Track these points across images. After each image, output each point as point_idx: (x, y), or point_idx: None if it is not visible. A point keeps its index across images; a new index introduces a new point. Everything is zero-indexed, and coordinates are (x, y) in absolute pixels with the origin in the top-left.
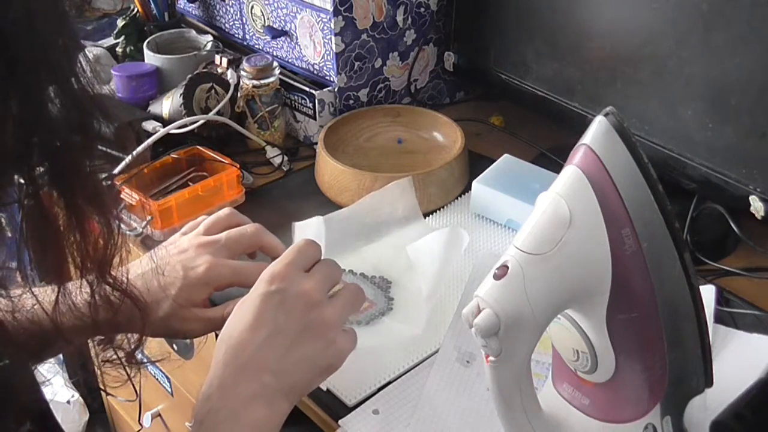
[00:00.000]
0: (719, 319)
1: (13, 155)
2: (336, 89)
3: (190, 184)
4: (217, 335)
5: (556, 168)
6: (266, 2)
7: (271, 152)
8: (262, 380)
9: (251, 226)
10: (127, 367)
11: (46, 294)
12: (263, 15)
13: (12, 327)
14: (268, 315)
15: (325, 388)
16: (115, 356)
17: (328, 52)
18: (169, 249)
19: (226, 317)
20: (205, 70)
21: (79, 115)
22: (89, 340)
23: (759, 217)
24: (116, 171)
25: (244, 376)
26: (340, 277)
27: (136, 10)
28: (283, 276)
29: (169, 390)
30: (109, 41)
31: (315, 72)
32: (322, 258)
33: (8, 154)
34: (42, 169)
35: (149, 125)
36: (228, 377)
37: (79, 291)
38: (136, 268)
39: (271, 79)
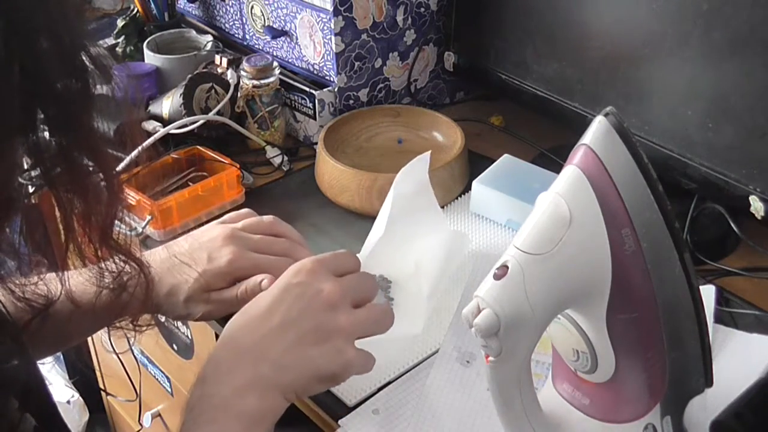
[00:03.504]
0: (719, 319)
1: (18, 119)
2: (336, 89)
3: (190, 184)
4: (218, 337)
5: (556, 168)
6: (266, 2)
7: (271, 152)
8: (259, 370)
9: (267, 216)
10: (133, 331)
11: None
12: (263, 15)
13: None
14: (283, 305)
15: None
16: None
17: (328, 52)
18: (199, 235)
19: (240, 297)
20: (205, 70)
21: (75, 69)
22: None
23: (759, 217)
24: (117, 170)
25: (242, 362)
26: (372, 294)
27: (136, 10)
28: (309, 271)
29: (169, 390)
30: (109, 41)
31: (315, 72)
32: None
33: (14, 118)
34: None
35: (149, 125)
36: (225, 360)
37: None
38: (166, 251)
39: (271, 79)
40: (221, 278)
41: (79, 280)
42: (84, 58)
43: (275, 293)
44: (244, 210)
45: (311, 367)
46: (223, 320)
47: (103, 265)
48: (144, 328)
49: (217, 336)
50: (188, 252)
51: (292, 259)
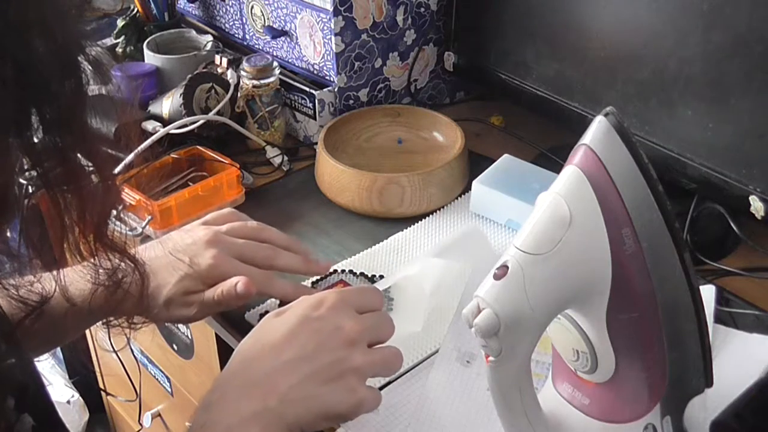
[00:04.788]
0: (719, 319)
1: (12, 117)
2: (336, 89)
3: (190, 184)
4: (218, 337)
5: (556, 168)
6: (266, 2)
7: (271, 152)
8: (268, 403)
9: (252, 222)
10: (129, 329)
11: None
12: (263, 15)
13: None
14: (299, 338)
15: None
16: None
17: (328, 52)
18: (182, 237)
19: (217, 300)
20: (205, 70)
21: (72, 69)
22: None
23: (759, 217)
24: (117, 170)
25: (251, 394)
26: (389, 336)
27: (136, 10)
28: (331, 305)
29: (169, 390)
30: (109, 41)
31: (315, 72)
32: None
33: (8, 116)
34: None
35: (149, 125)
36: (233, 390)
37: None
38: (149, 251)
39: (271, 79)
40: (201, 282)
41: (74, 278)
42: (81, 57)
43: (293, 324)
44: (227, 210)
45: (320, 405)
46: (224, 321)
47: (98, 262)
48: (140, 326)
49: (217, 336)
50: (169, 255)
51: (277, 267)
